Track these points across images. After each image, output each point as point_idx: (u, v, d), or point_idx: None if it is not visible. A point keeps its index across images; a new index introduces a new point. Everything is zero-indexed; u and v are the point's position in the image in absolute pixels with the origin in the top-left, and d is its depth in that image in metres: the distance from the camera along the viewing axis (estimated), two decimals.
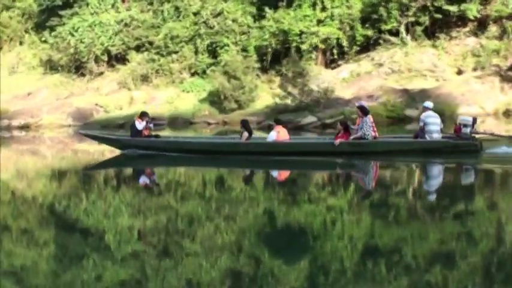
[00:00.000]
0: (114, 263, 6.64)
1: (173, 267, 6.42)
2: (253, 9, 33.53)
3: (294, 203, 9.95)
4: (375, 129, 13.94)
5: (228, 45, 32.96)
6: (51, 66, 39.09)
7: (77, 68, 36.90)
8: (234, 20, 33.40)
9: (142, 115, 16.50)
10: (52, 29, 39.27)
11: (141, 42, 35.89)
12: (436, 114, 13.88)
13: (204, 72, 33.68)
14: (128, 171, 15.94)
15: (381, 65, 29.12)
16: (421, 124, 13.70)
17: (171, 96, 32.48)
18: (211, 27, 33.80)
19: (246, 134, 14.85)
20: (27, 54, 42.49)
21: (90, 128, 29.08)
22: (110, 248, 7.42)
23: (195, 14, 34.79)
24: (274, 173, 14.03)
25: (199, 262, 6.44)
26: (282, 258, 6.62)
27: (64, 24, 37.86)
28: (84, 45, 35.43)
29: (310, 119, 22.51)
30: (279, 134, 14.44)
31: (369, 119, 13.82)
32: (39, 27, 43.19)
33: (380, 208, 9.40)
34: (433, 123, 13.66)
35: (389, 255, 6.58)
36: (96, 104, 33.13)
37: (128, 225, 8.54)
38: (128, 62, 35.81)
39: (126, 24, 36.17)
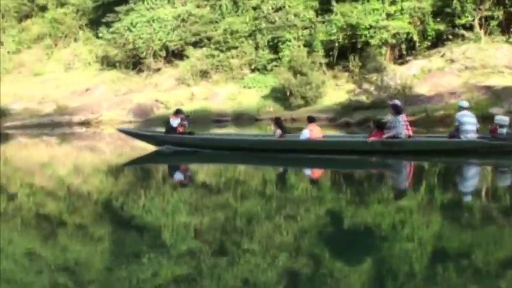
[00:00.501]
0: (170, 260, 6.54)
1: (229, 265, 6.26)
2: (316, 3, 32.65)
3: (335, 202, 9.69)
4: (409, 127, 13.67)
5: (289, 41, 32.21)
6: (107, 62, 38.91)
7: (134, 64, 36.62)
8: (295, 15, 32.62)
9: (177, 112, 16.77)
10: (107, 25, 39.09)
11: (199, 37, 35.41)
12: (472, 114, 13.59)
13: (264, 68, 33.01)
14: (166, 167, 15.85)
15: (452, 61, 27.98)
16: (456, 124, 13.39)
17: (233, 93, 31.88)
18: (272, 22, 33.09)
19: (279, 131, 14.78)
20: (83, 50, 42.48)
21: (152, 124, 28.72)
22: (166, 245, 7.27)
23: (254, 8, 34.13)
24: (308, 171, 13.80)
25: (255, 261, 6.31)
26: (341, 258, 6.42)
27: (120, 20, 37.62)
28: (142, 40, 35.08)
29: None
30: (312, 132, 14.30)
31: (402, 117, 13.57)
32: (93, 24, 43.14)
33: (414, 207, 9.01)
34: (469, 122, 13.32)
35: (447, 257, 6.35)
36: (156, 100, 32.72)
37: (183, 223, 8.33)
38: (186, 57, 35.37)
39: (183, 20, 35.72)
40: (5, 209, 10.10)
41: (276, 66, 31.99)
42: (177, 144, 16.05)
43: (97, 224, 8.82)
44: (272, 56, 32.84)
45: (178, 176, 14.02)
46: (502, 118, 13.52)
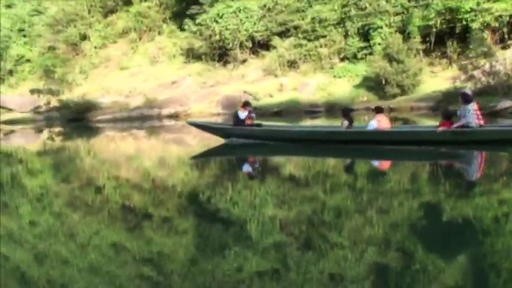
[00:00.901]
0: (255, 253, 6.38)
1: (316, 259, 6.01)
2: None
3: (416, 194, 9.16)
4: (480, 117, 13.07)
5: (381, 27, 31.08)
6: (192, 54, 38.92)
7: (220, 55, 36.39)
8: (387, 1, 31.42)
9: (245, 104, 16.88)
10: (191, 17, 39.08)
11: (285, 27, 34.77)
12: None
13: (354, 56, 32.06)
14: (238, 159, 15.66)
15: None
16: None
17: (323, 83, 31.10)
18: (362, 9, 32.01)
19: (346, 122, 14.64)
20: (167, 43, 42.73)
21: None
22: (251, 238, 7.10)
23: None
24: (376, 163, 13.38)
25: (343, 255, 6.07)
26: (434, 253, 5.98)
27: (205, 11, 37.46)
28: (229, 32, 34.72)
29: (507, 103, 20.11)
30: (380, 123, 14.00)
31: (472, 106, 12.97)
32: (177, 16, 43.32)
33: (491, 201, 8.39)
34: None
35: None
36: (245, 92, 32.34)
37: (267, 215, 8.12)
38: (273, 48, 34.84)
39: (269, 9, 35.16)
40: (92, 201, 10.23)
41: (366, 54, 30.94)
42: (244, 136, 16.10)
43: (181, 216, 8.75)
44: (362, 44, 31.85)
45: (251, 168, 13.79)
46: None
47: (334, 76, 31.46)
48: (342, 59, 32.63)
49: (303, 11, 34.42)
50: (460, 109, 13.24)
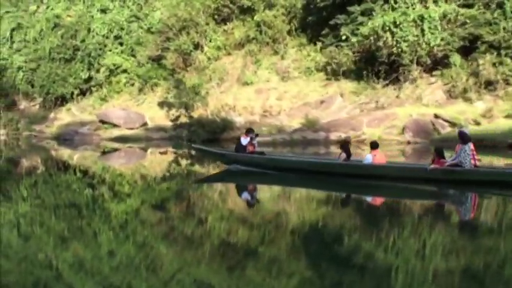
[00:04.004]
0: None
1: None
2: None
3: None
4: (476, 157, 13.16)
5: None
6: (336, 70, 33.37)
7: (386, 72, 30.66)
8: None
9: (248, 131, 17.19)
10: (334, 27, 33.69)
11: (468, 41, 29.24)
12: None
13: None
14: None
15: None
16: None
17: None
18: None
19: (343, 155, 14.91)
20: (298, 56, 37.31)
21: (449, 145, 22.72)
22: None
23: None
24: (368, 198, 13.55)
25: None
26: None
27: (356, 22, 32.00)
28: (407, 44, 29.09)
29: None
30: (375, 157, 14.31)
31: (469, 146, 13.10)
32: (307, 27, 38.07)
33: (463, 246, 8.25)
34: None
35: None
36: (437, 116, 26.63)
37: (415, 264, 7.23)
38: (453, 65, 29.26)
39: (449, 20, 29.56)
40: None
41: None
42: (245, 163, 16.33)
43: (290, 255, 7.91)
44: None
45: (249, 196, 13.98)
46: None
47: None
48: None
49: (495, 23, 28.79)
50: (456, 148, 13.24)
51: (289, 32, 38.87)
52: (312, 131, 27.83)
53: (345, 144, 15.79)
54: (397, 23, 29.10)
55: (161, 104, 33.73)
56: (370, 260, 7.43)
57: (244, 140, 16.60)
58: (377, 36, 29.74)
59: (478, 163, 13.23)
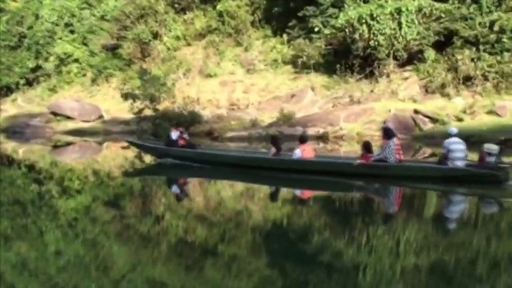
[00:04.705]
0: None
1: None
2: None
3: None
4: (400, 152, 13.35)
5: None
6: (306, 63, 32.26)
7: (360, 66, 29.77)
8: None
9: (177, 125, 18.46)
10: (303, 19, 32.60)
11: (443, 36, 28.76)
12: (461, 141, 12.92)
13: None
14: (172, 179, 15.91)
15: None
16: (445, 151, 12.83)
17: None
18: None
19: (273, 149, 15.16)
20: (264, 49, 35.99)
21: (434, 142, 22.11)
22: None
23: None
24: (296, 192, 13.79)
25: None
26: None
27: (322, 13, 31.05)
28: (384, 37, 28.27)
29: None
30: (304, 152, 14.48)
31: (393, 142, 13.23)
32: (271, 18, 36.86)
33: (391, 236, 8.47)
34: (457, 149, 12.73)
35: None
36: (416, 112, 25.89)
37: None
38: (428, 60, 28.73)
39: (424, 14, 28.95)
40: None
41: None
42: (176, 157, 16.51)
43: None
44: None
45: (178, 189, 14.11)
46: (490, 146, 12.62)
47: None
48: None
49: (471, 19, 28.40)
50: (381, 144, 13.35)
51: (252, 23, 37.52)
52: (288, 125, 26.52)
53: (275, 140, 16.03)
54: (374, 15, 28.20)
55: (125, 96, 31.54)
56: (300, 250, 7.60)
57: (174, 134, 16.78)
58: (352, 28, 28.75)
59: (402, 157, 13.40)
